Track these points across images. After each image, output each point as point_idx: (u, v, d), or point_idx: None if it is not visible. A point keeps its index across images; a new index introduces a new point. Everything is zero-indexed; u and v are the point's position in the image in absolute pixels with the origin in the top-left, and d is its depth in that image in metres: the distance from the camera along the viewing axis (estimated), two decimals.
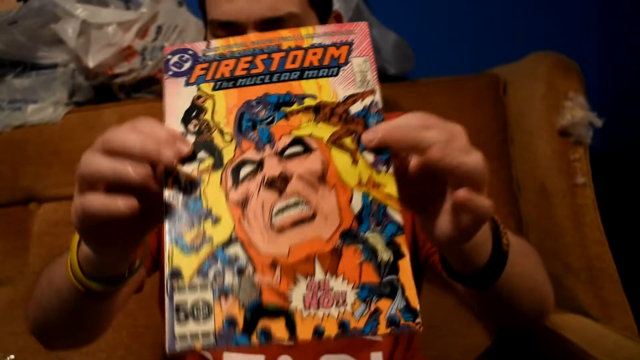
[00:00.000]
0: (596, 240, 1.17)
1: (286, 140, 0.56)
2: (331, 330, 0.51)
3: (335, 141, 0.56)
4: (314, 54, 0.59)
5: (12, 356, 1.23)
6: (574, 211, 1.19)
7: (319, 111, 0.57)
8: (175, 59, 0.60)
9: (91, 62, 1.30)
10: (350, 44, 0.59)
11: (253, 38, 0.61)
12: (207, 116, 0.57)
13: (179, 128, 0.57)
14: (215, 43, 0.60)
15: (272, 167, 0.55)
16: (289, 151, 0.56)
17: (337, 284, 0.52)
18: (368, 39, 0.60)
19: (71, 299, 0.69)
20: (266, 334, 0.50)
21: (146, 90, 1.37)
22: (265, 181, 0.55)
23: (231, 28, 0.86)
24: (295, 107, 0.57)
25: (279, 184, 0.55)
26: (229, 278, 0.52)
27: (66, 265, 0.66)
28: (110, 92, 1.39)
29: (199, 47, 0.60)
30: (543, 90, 1.22)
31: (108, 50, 1.30)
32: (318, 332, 0.51)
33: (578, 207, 1.18)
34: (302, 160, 0.56)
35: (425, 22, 1.52)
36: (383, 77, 1.41)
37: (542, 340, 1.19)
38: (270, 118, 0.57)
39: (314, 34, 0.60)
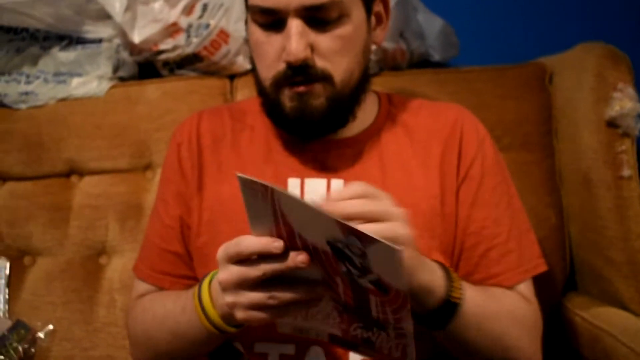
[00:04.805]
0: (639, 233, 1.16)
1: None
2: None
3: None
4: None
5: (51, 326, 1.25)
6: (618, 204, 1.17)
7: None
8: None
9: (136, 38, 1.30)
10: None
11: None
12: None
13: None
14: None
15: None
16: None
17: None
18: None
19: (204, 341, 0.86)
20: None
21: (190, 68, 1.36)
22: None
23: (271, 14, 0.85)
24: None
25: None
26: None
27: (200, 318, 0.81)
28: (153, 69, 1.39)
29: None
30: (591, 81, 1.20)
31: (154, 26, 1.31)
32: None
33: (622, 199, 1.17)
34: None
35: (471, 9, 1.50)
36: (427, 63, 1.41)
37: (581, 333, 1.19)
38: None
39: None
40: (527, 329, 0.91)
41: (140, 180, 1.32)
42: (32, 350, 1.23)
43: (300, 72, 0.85)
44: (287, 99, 0.88)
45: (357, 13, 0.87)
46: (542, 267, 0.97)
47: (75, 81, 1.35)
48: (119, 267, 1.29)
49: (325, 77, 0.86)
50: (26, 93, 1.34)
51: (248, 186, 0.65)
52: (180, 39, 1.32)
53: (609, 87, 1.19)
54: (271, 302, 0.70)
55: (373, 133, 0.98)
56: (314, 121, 0.89)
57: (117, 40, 1.36)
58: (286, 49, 0.84)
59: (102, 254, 1.31)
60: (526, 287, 0.95)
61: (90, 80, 1.35)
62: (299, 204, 0.63)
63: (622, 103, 1.17)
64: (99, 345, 1.25)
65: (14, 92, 1.34)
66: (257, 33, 0.88)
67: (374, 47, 0.98)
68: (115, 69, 1.37)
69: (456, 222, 0.94)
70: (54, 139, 1.33)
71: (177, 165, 1.01)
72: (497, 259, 0.93)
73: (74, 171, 1.34)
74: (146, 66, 1.40)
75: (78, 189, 1.33)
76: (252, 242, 0.69)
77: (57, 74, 1.35)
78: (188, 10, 1.32)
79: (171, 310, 0.90)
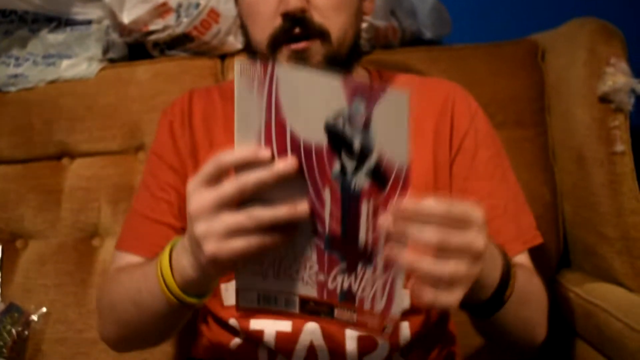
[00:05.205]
0: (633, 209, 1.15)
1: None
2: None
3: None
4: None
5: (44, 309, 1.25)
6: (611, 179, 1.16)
7: None
8: None
9: (126, 18, 1.30)
10: None
11: None
12: None
13: None
14: None
15: None
16: None
17: None
18: None
19: (165, 313, 0.77)
20: None
21: (180, 48, 1.35)
22: None
23: None
24: None
25: None
26: None
27: (160, 286, 0.73)
28: (144, 50, 1.38)
29: None
30: (584, 56, 1.19)
31: (143, 7, 1.29)
32: None
33: (616, 175, 1.16)
34: None
35: None
36: (419, 41, 1.40)
37: (575, 309, 1.18)
38: None
39: None
40: (545, 305, 0.92)
41: (132, 162, 1.32)
42: (26, 333, 1.22)
43: (298, 23, 0.86)
44: (285, 59, 0.88)
45: None
46: (539, 239, 0.97)
47: (65, 63, 1.34)
48: (111, 249, 1.26)
49: (322, 34, 0.87)
50: (15, 76, 1.33)
51: (245, 74, 0.61)
52: (170, 19, 1.31)
53: (601, 62, 1.18)
54: (250, 223, 0.60)
55: None
56: None
57: (106, 22, 1.35)
58: (283, 0, 0.86)
59: (94, 236, 1.30)
60: (527, 259, 0.95)
61: (80, 62, 1.34)
62: (301, 75, 0.61)
63: (614, 78, 1.16)
64: (92, 327, 1.24)
65: (3, 74, 1.33)
66: None
67: (364, 24, 0.98)
68: (105, 50, 1.36)
69: (450, 195, 0.95)
70: (45, 122, 1.32)
71: (171, 142, 1.01)
72: (497, 231, 0.92)
73: (65, 153, 1.33)
74: (136, 47, 1.39)
75: (69, 171, 1.32)
76: (236, 152, 0.61)
77: (46, 56, 1.34)
78: None
79: (135, 278, 0.82)
